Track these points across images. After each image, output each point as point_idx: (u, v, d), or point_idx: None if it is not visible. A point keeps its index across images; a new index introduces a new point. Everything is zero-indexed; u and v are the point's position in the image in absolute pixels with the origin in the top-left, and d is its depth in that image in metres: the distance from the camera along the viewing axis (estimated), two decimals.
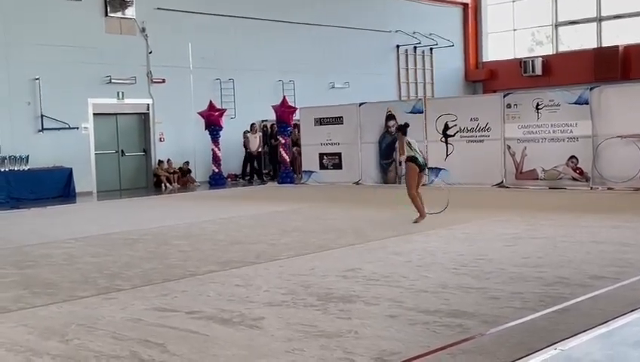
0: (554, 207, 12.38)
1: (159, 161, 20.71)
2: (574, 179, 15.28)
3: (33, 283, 7.21)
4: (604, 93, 15.14)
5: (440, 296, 5.95)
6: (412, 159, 10.96)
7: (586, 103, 15.13)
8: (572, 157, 15.30)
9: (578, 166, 15.24)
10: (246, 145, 21.82)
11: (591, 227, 9.69)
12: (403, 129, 11.21)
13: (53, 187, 18.16)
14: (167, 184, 20.22)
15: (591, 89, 15.37)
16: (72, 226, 12.27)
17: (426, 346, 4.64)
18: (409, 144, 10.99)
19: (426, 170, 11.87)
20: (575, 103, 15.29)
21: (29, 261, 8.66)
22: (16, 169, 17.68)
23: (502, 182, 16.19)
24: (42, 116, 18.56)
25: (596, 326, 4.91)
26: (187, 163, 21.13)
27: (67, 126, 18.92)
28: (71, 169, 18.51)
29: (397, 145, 11.44)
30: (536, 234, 9.26)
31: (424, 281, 6.58)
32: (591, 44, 27.39)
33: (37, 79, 18.46)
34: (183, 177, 20.83)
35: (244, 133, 21.77)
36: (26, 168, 17.84)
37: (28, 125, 18.46)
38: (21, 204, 16.65)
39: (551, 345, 4.54)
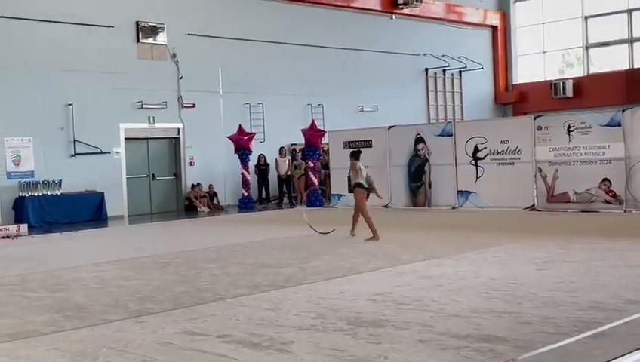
0: (586, 230, 12.22)
1: (192, 184, 20.85)
2: (607, 202, 15.07)
3: (65, 307, 7.27)
4: (637, 115, 14.97)
5: (471, 321, 5.89)
6: (359, 185, 12.20)
7: (619, 125, 14.95)
8: (605, 179, 15.10)
9: (611, 188, 15.04)
10: (275, 168, 21.89)
11: (624, 251, 9.54)
12: (357, 155, 12.49)
13: (85, 211, 18.41)
14: (203, 207, 20.35)
15: (623, 111, 15.22)
16: (103, 250, 12.38)
17: None
18: (360, 170, 12.21)
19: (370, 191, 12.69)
20: (607, 125, 15.12)
21: (61, 284, 8.74)
22: (49, 193, 17.94)
23: (533, 205, 16.02)
24: (75, 141, 18.84)
25: (631, 352, 4.82)
26: (211, 186, 21.18)
27: (99, 151, 19.18)
28: (103, 193, 18.76)
29: (351, 173, 12.64)
30: (568, 258, 9.14)
31: (455, 305, 6.51)
32: (622, 65, 27.18)
33: (70, 105, 18.76)
34: (210, 201, 20.94)
35: (259, 156, 21.56)
36: (59, 193, 18.10)
37: (61, 150, 18.74)
38: (54, 228, 16.86)
39: None
